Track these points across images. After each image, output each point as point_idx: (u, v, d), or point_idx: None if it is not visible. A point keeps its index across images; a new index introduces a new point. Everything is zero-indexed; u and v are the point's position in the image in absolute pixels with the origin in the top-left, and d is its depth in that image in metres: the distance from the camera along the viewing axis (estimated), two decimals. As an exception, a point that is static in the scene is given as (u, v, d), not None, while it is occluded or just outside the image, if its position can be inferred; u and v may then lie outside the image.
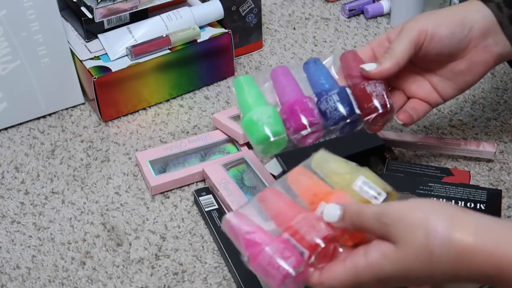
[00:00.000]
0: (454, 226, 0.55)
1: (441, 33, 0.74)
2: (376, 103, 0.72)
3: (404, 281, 0.57)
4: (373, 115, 0.72)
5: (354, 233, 0.61)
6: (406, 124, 0.77)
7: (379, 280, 0.57)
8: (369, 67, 0.73)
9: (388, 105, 0.73)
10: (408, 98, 0.79)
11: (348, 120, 0.72)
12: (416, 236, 0.55)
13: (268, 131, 0.70)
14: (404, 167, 0.84)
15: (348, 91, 0.73)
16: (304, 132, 0.70)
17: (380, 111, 0.72)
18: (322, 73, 0.75)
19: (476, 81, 0.78)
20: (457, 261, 0.54)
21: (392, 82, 0.78)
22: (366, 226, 0.59)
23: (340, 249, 0.61)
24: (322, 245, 0.59)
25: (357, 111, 0.72)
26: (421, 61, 0.77)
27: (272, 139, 0.70)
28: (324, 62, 0.76)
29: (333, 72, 0.76)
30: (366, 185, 0.63)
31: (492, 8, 0.75)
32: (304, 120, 0.70)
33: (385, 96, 0.73)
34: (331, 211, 0.61)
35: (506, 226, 0.55)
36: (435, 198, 0.60)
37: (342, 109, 0.71)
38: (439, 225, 0.55)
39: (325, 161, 0.66)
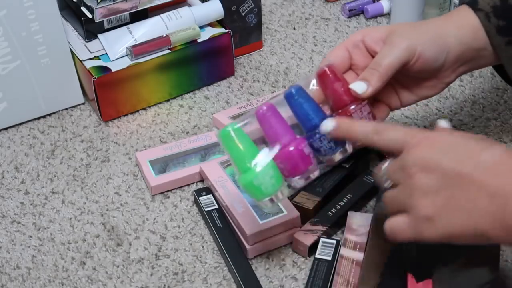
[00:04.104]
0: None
1: (426, 55, 0.73)
2: None
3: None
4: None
5: None
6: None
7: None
8: (360, 88, 0.71)
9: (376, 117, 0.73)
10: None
11: (339, 154, 0.71)
12: None
13: (274, 197, 0.68)
14: (404, 167, 0.84)
15: None
16: (300, 178, 0.69)
17: None
18: (308, 105, 0.70)
19: (435, 95, 0.78)
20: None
21: None
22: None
23: None
24: None
25: (348, 143, 0.71)
26: (396, 74, 0.75)
27: (277, 200, 0.69)
28: (310, 87, 0.72)
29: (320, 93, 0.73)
30: None
31: (480, 17, 0.75)
32: (303, 168, 0.68)
33: (372, 120, 0.72)
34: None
35: None
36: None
37: (336, 146, 0.70)
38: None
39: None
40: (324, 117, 0.70)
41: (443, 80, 0.77)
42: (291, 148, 0.68)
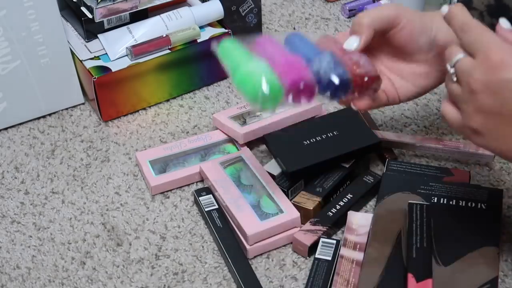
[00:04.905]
0: None
1: (413, 26, 0.74)
2: (365, 67, 0.73)
3: None
4: (365, 78, 0.73)
5: None
6: (361, 109, 0.77)
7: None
8: (351, 45, 0.74)
9: (377, 69, 0.74)
10: None
11: (339, 81, 0.71)
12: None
13: (264, 83, 0.69)
14: (404, 167, 0.84)
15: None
16: (301, 85, 0.70)
17: (372, 74, 0.73)
18: (307, 44, 0.75)
19: (434, 87, 0.78)
20: None
21: None
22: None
23: None
24: None
25: (349, 75, 0.72)
26: (384, 51, 0.77)
27: (267, 90, 0.69)
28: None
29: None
30: None
31: (474, 15, 0.75)
32: (301, 72, 0.70)
33: (371, 63, 0.74)
34: None
35: None
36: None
37: (336, 68, 0.71)
38: None
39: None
40: (323, 53, 0.73)
41: (436, 67, 0.77)
42: (288, 57, 0.71)
